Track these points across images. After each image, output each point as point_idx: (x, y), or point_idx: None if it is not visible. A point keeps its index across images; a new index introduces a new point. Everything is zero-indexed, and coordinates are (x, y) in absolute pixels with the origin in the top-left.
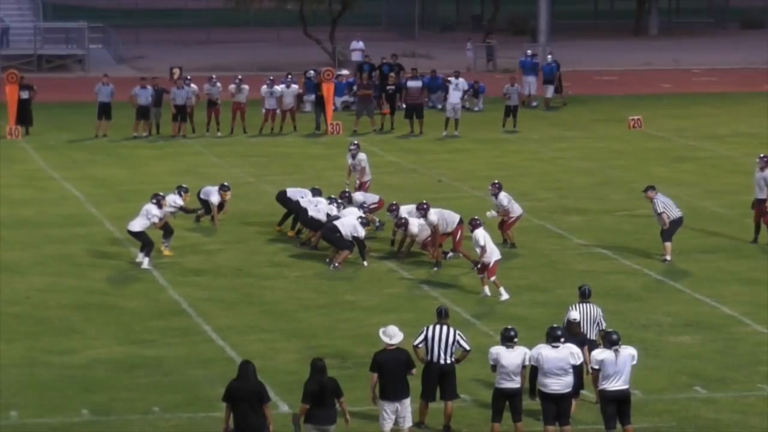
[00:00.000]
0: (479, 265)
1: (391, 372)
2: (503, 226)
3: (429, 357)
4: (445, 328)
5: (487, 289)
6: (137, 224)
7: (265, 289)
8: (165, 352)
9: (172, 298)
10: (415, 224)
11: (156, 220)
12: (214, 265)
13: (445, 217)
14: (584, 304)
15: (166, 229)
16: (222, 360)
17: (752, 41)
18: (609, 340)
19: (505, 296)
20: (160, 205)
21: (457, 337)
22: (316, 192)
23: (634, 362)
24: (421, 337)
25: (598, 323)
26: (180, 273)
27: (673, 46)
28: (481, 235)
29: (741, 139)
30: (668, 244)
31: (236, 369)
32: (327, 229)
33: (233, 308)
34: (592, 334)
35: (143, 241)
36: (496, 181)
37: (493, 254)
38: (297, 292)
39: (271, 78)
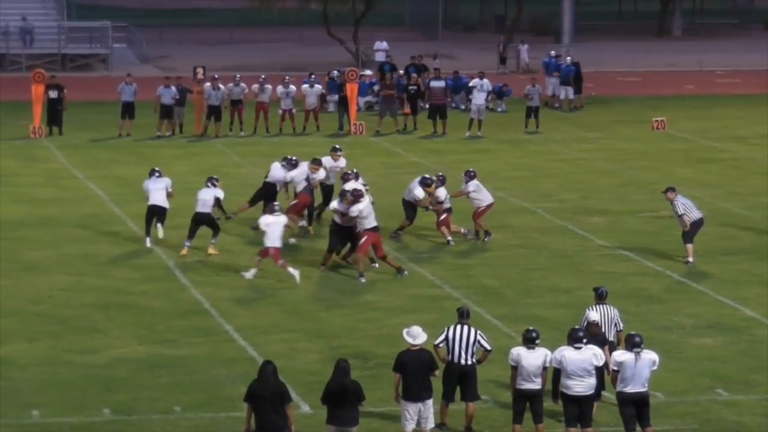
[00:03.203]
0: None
1: (415, 372)
2: (474, 216)
3: (450, 357)
4: (465, 328)
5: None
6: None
7: (287, 289)
8: (187, 352)
9: (194, 297)
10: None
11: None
12: (236, 264)
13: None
14: (602, 306)
15: (214, 228)
16: (244, 360)
17: None
18: (631, 343)
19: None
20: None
21: (478, 337)
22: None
23: (655, 368)
24: (442, 337)
25: (615, 324)
26: (202, 273)
27: (697, 47)
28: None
29: (764, 140)
30: (690, 246)
31: (258, 369)
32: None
33: (255, 308)
34: (611, 335)
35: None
36: (471, 170)
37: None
38: (319, 292)
39: (287, 78)
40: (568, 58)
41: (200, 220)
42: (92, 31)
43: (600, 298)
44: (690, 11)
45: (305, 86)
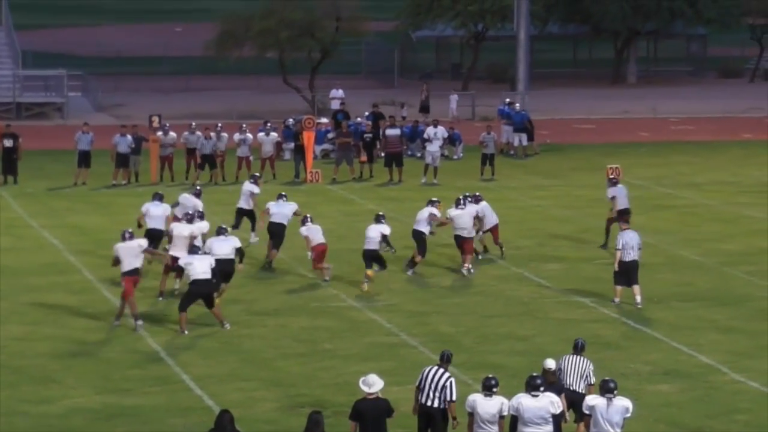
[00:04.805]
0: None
1: (372, 421)
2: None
3: (421, 398)
4: (440, 371)
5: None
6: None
7: (243, 338)
8: (143, 401)
9: (151, 346)
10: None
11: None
12: (192, 313)
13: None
14: (575, 357)
15: (381, 262)
16: (200, 409)
17: (730, 90)
18: (605, 388)
19: None
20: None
21: (448, 383)
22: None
23: (628, 414)
24: (419, 378)
25: (586, 377)
26: (158, 321)
27: (652, 94)
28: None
29: (719, 187)
30: (618, 288)
31: (215, 418)
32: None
33: (212, 356)
34: (580, 387)
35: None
36: (478, 193)
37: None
38: (276, 340)
39: (243, 126)
40: (517, 105)
41: (369, 256)
42: (47, 79)
43: (575, 349)
44: (645, 59)
45: (261, 134)
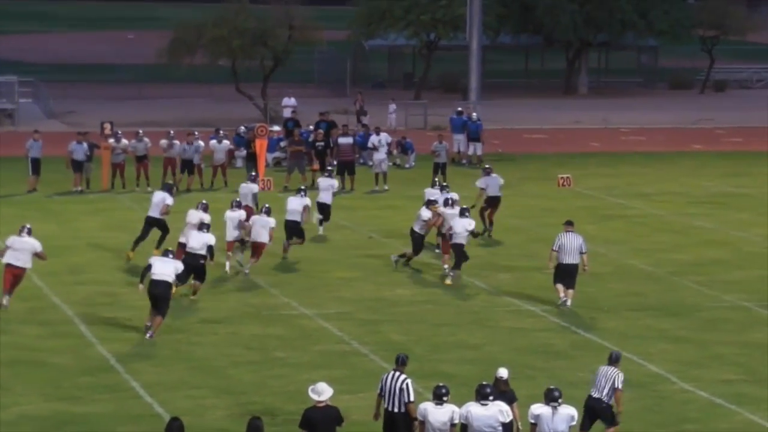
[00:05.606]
0: None
1: (322, 429)
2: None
3: (384, 404)
4: (397, 374)
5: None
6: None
7: (194, 345)
8: (93, 409)
9: (101, 353)
10: None
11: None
12: (142, 320)
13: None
14: (606, 367)
15: (465, 257)
16: (150, 417)
17: (680, 101)
18: (549, 397)
19: None
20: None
21: (404, 386)
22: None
23: (573, 423)
24: (379, 385)
25: (613, 381)
26: (109, 329)
27: (603, 105)
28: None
29: (669, 197)
30: (559, 286)
31: (165, 426)
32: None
33: (162, 364)
34: (603, 395)
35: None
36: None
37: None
38: (227, 348)
39: (196, 133)
40: (474, 114)
41: (457, 250)
42: None
43: (609, 359)
44: (596, 70)
45: (213, 142)
